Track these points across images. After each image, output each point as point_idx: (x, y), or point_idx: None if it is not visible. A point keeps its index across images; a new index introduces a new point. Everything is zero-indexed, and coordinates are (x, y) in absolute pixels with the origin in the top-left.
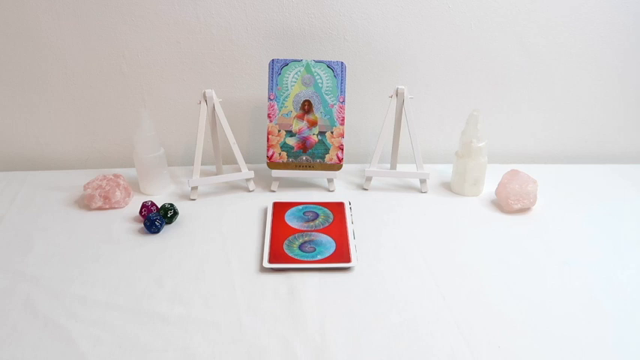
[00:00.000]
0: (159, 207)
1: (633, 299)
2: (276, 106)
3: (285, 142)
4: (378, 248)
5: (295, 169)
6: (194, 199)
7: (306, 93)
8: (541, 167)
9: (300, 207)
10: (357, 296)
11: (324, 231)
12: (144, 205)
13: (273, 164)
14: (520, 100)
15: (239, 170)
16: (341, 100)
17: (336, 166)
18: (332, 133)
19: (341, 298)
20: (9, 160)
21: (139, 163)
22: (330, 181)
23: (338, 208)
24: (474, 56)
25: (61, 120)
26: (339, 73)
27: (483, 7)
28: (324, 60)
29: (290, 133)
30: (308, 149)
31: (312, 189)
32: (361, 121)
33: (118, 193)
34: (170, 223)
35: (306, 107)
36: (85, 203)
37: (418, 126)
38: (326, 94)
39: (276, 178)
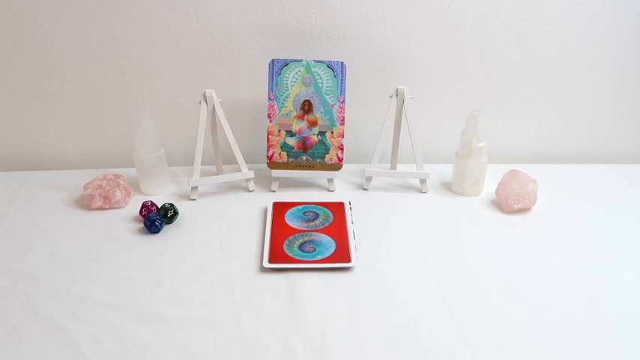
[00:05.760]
0: (159, 207)
1: (634, 299)
2: (276, 106)
3: (285, 142)
4: (378, 248)
5: (295, 169)
6: (194, 199)
7: (306, 93)
8: (541, 167)
9: (300, 207)
10: (357, 296)
11: (324, 231)
12: (144, 205)
13: (273, 164)
14: (520, 100)
15: (239, 170)
16: (341, 100)
17: (336, 166)
18: (332, 133)
19: (341, 298)
20: (9, 160)
21: (139, 163)
22: (330, 181)
23: (338, 208)
24: (474, 56)
25: (61, 120)
26: (339, 73)
27: (483, 7)
28: (324, 60)
29: (290, 133)
30: (308, 149)
31: (312, 189)
32: (361, 121)
33: (118, 193)
34: (170, 223)
35: (306, 107)
36: (85, 203)
37: (418, 126)
38: (326, 94)
39: (276, 178)
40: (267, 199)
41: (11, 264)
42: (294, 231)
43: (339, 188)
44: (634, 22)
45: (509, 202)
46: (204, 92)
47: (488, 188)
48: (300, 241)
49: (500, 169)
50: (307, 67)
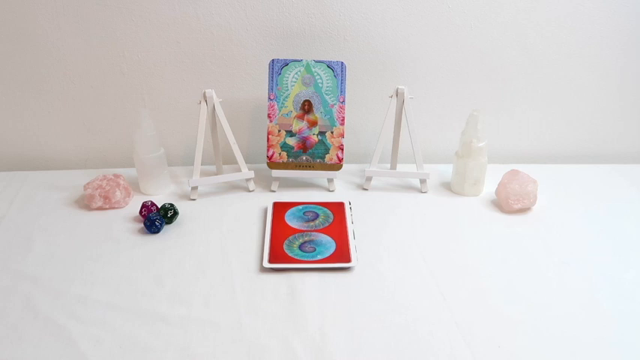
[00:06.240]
0: (159, 207)
1: (634, 299)
2: (276, 106)
3: (285, 142)
4: (378, 248)
5: (295, 169)
6: (194, 199)
7: (306, 93)
8: (541, 167)
9: (300, 207)
10: (357, 296)
11: (324, 231)
12: (144, 205)
13: (273, 164)
14: (520, 100)
15: (239, 170)
16: (341, 100)
17: (336, 166)
18: (332, 133)
19: (341, 298)
20: (9, 160)
21: (139, 163)
22: (330, 181)
23: (338, 208)
24: (474, 56)
25: (62, 120)
26: (339, 73)
27: (483, 7)
28: (324, 60)
29: (290, 133)
30: (308, 149)
31: (312, 189)
32: (361, 121)
33: (118, 193)
34: (170, 223)
35: (306, 107)
36: (85, 203)
37: (418, 126)
38: (326, 94)
39: (276, 178)
40: (267, 199)
41: (11, 264)
42: (294, 231)
43: (339, 188)
44: (634, 22)
45: (509, 202)
46: (204, 92)
47: (488, 188)
48: (300, 241)
49: (500, 169)
50: (307, 67)
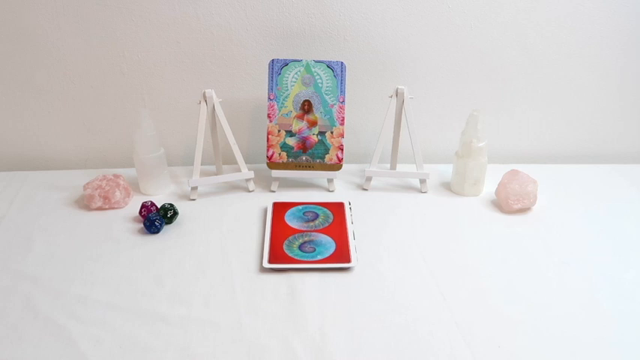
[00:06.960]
0: (159, 207)
1: (634, 299)
2: (276, 106)
3: (285, 142)
4: (378, 248)
5: (295, 169)
6: (194, 199)
7: (306, 93)
8: (541, 167)
9: (300, 207)
10: (357, 296)
11: (324, 231)
12: (144, 205)
13: (273, 164)
14: (520, 100)
15: (239, 170)
16: (341, 100)
17: (336, 166)
18: (332, 133)
19: (341, 298)
20: (9, 160)
21: (139, 163)
22: (330, 181)
23: (338, 209)
24: (474, 56)
25: (61, 120)
26: (339, 73)
27: (483, 7)
28: (324, 60)
29: (290, 133)
30: (308, 149)
31: (312, 189)
32: (361, 121)
33: (117, 193)
34: (170, 223)
35: (306, 107)
36: (85, 203)
37: (418, 126)
38: (326, 94)
39: (276, 178)
40: (267, 199)
41: (11, 264)
42: (294, 231)
43: (339, 188)
44: (634, 22)
45: (509, 202)
46: (204, 92)
47: (489, 188)
48: (300, 241)
49: (500, 169)
50: (307, 67)
